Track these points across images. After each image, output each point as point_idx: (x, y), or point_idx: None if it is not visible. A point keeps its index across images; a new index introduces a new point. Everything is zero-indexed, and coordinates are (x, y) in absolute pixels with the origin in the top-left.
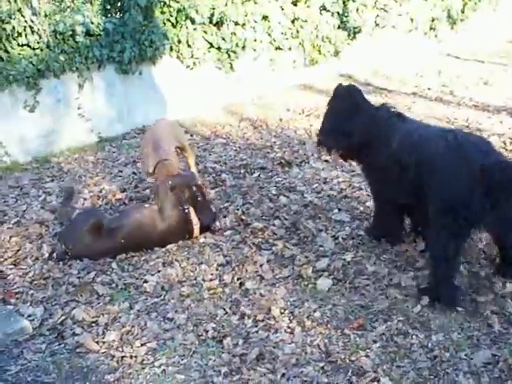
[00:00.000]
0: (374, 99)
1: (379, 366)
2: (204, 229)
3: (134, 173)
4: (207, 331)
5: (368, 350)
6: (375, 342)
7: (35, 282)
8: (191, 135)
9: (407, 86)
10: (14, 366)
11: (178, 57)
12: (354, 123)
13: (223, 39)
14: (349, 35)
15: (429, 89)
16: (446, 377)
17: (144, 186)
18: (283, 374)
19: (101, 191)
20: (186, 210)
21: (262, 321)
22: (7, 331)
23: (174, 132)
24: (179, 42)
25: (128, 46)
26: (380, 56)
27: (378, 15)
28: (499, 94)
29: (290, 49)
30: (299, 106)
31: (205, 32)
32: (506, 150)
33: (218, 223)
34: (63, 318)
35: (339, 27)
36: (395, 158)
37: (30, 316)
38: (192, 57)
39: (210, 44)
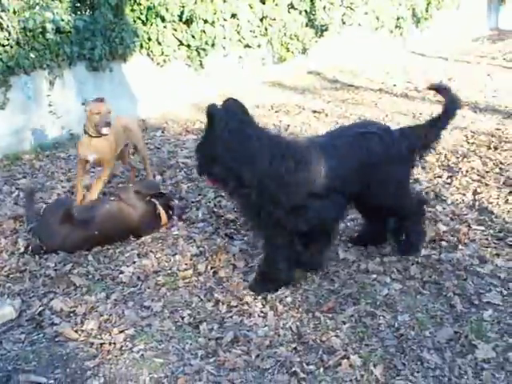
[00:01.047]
0: (342, 96)
1: (349, 345)
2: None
3: None
4: (183, 317)
5: (338, 331)
6: (344, 323)
7: (12, 276)
8: (162, 131)
9: (374, 82)
10: None
11: (148, 54)
12: None
13: (193, 37)
14: (316, 33)
15: (394, 85)
16: (411, 353)
17: (117, 181)
18: (257, 355)
19: (73, 187)
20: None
21: (236, 306)
22: None
23: (128, 129)
24: (149, 39)
25: (98, 44)
26: (347, 53)
27: (344, 13)
28: (462, 89)
29: (258, 46)
30: (268, 102)
31: (175, 30)
32: (468, 142)
33: (190, 215)
34: (41, 308)
35: (307, 25)
36: None
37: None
38: (162, 54)
39: (180, 42)
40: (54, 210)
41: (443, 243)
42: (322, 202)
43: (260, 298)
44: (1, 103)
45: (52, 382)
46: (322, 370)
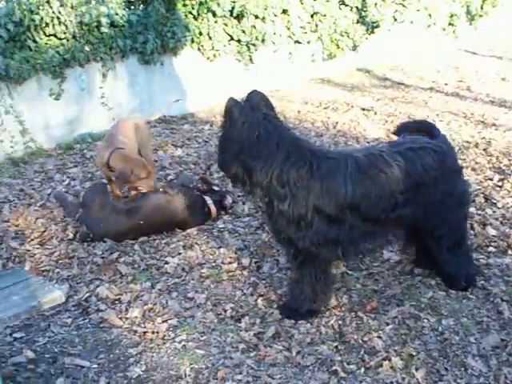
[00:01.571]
0: (391, 94)
1: (391, 347)
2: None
3: (154, 160)
4: (226, 310)
5: (380, 332)
6: (387, 324)
7: (61, 261)
8: (210, 125)
9: (424, 81)
10: (41, 338)
11: (198, 49)
12: None
13: (243, 32)
14: (367, 30)
15: (446, 84)
16: (455, 358)
17: (164, 174)
18: (298, 352)
19: None
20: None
21: (279, 302)
22: (42, 300)
23: (137, 133)
24: (200, 34)
25: (151, 38)
26: (398, 51)
27: (396, 10)
28: None
29: (308, 42)
30: (317, 99)
31: (225, 25)
32: None
33: (236, 209)
34: (88, 295)
35: (358, 22)
36: None
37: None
38: (212, 49)
39: (231, 36)
40: (93, 197)
41: (492, 248)
42: (333, 222)
43: None
44: (56, 94)
45: (95, 366)
46: (362, 370)
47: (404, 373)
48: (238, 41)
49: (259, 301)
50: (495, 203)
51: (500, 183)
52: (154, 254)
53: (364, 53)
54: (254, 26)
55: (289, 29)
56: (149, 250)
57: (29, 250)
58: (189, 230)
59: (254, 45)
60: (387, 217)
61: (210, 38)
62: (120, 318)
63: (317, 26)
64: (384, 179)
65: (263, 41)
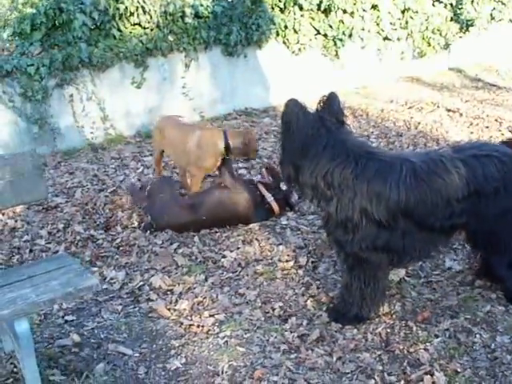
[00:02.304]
0: (481, 96)
1: (436, 361)
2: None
3: None
4: (274, 309)
5: (428, 344)
6: (437, 336)
7: (121, 248)
8: None
9: None
10: (91, 322)
11: (283, 42)
12: None
13: (330, 26)
14: (461, 28)
15: None
16: (503, 379)
17: (236, 166)
18: (339, 357)
19: None
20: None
21: (329, 304)
22: (78, 286)
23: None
24: (286, 27)
25: (235, 29)
26: (494, 51)
27: (494, 8)
28: None
29: (398, 39)
30: (403, 97)
31: (312, 19)
32: None
33: (302, 206)
34: (141, 283)
35: (451, 19)
36: None
37: (112, 279)
38: (298, 43)
39: (317, 31)
40: (159, 189)
41: None
42: (383, 227)
43: None
44: (138, 83)
45: (137, 355)
46: (402, 382)
47: None
48: (325, 35)
49: (309, 302)
50: None
51: None
52: (212, 246)
53: (457, 52)
54: (342, 21)
55: (378, 25)
56: (208, 242)
57: (92, 235)
58: (251, 225)
59: (340, 40)
60: (442, 225)
61: (296, 31)
62: (168, 309)
63: (407, 22)
64: (441, 186)
65: (350, 36)
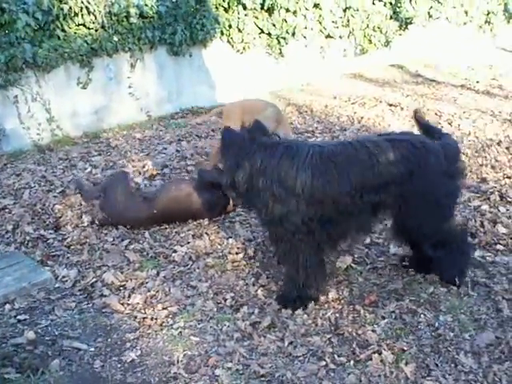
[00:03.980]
0: (422, 90)
1: (383, 341)
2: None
3: (177, 150)
4: (226, 299)
5: (375, 325)
6: (384, 318)
7: (72, 247)
8: None
9: (457, 78)
10: (44, 320)
11: (228, 41)
12: None
13: (273, 25)
14: (400, 26)
15: (478, 82)
16: (446, 354)
17: (184, 164)
18: (291, 342)
19: (143, 167)
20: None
21: (278, 292)
22: (33, 281)
23: None
24: (230, 26)
25: (179, 29)
26: (432, 48)
27: (431, 6)
28: None
29: (340, 37)
30: (346, 93)
31: (256, 18)
32: None
33: None
34: (94, 280)
35: (391, 17)
36: None
37: (64, 277)
38: (242, 41)
39: (261, 29)
40: (113, 184)
41: (500, 246)
42: (296, 207)
43: None
44: (83, 83)
45: (92, 349)
46: (352, 362)
47: (393, 367)
48: (269, 34)
49: (259, 291)
50: (510, 201)
51: None
52: (163, 242)
53: (397, 49)
54: (285, 20)
55: (320, 23)
56: (159, 238)
57: (42, 235)
58: (201, 220)
59: (284, 38)
60: (357, 204)
61: (240, 30)
62: (122, 304)
63: (349, 20)
64: (351, 166)
65: (294, 34)
